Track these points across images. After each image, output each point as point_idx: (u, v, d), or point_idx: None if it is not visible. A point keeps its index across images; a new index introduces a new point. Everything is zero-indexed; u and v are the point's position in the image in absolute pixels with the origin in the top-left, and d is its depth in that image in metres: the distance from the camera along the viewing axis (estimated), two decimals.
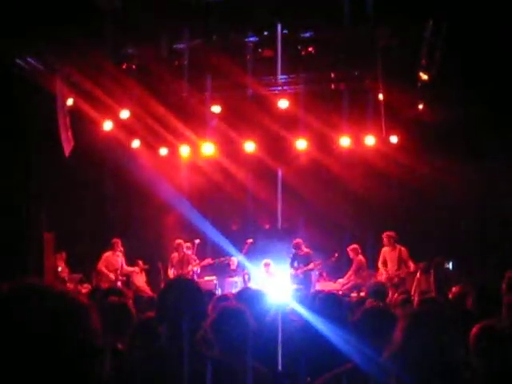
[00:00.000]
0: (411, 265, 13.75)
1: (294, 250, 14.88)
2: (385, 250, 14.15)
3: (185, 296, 3.46)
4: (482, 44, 11.15)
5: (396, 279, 13.59)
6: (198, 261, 15.17)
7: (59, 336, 1.80)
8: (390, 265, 13.97)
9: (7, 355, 1.75)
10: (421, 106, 14.28)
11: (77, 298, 1.90)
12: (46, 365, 1.77)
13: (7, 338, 1.76)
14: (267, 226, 16.18)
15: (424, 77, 13.30)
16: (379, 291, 7.05)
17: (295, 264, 14.77)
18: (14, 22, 10.87)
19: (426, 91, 13.72)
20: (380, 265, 14.11)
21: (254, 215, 16.39)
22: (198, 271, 15.12)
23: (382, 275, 13.93)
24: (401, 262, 13.81)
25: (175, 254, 15.06)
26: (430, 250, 13.83)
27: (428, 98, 13.89)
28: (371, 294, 7.32)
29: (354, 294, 13.03)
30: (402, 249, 13.92)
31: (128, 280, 14.98)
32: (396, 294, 8.52)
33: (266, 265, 15.15)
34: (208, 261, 15.17)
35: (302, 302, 5.79)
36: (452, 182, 14.06)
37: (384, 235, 14.11)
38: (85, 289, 12.97)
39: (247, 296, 5.70)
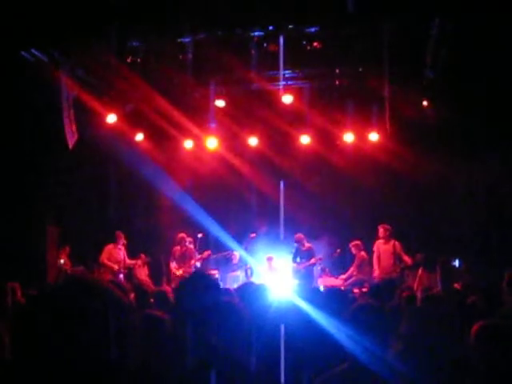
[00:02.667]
0: (406, 258, 13.75)
1: (296, 245, 14.88)
2: (379, 242, 14.09)
3: (204, 290, 3.47)
4: (488, 42, 11.12)
5: (394, 274, 13.57)
6: (199, 256, 15.15)
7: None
8: (383, 258, 13.90)
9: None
10: (425, 103, 14.26)
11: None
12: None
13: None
14: (269, 221, 16.14)
15: (429, 74, 13.28)
16: (383, 289, 7.03)
17: (297, 259, 14.78)
18: (20, 15, 10.88)
19: (430, 88, 13.69)
20: (374, 260, 14.08)
21: (256, 209, 16.37)
22: (199, 265, 15.10)
23: (375, 272, 13.93)
24: (395, 256, 13.76)
25: (177, 248, 15.05)
26: (434, 247, 13.85)
27: (432, 96, 13.87)
28: (373, 292, 7.30)
29: (356, 290, 13.03)
30: (396, 243, 13.88)
31: (130, 273, 15.01)
32: (398, 290, 8.49)
33: (269, 259, 15.16)
34: (207, 253, 15.16)
35: (303, 296, 5.78)
36: (455, 178, 14.05)
37: (380, 227, 14.07)
38: None
39: (248, 290, 5.70)
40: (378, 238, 14.12)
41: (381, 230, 14.03)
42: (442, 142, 14.10)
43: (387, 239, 13.95)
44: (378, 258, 14.01)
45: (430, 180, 14.69)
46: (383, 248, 13.94)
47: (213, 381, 2.93)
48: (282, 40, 12.45)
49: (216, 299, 3.46)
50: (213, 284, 3.59)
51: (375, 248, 14.11)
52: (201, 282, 3.54)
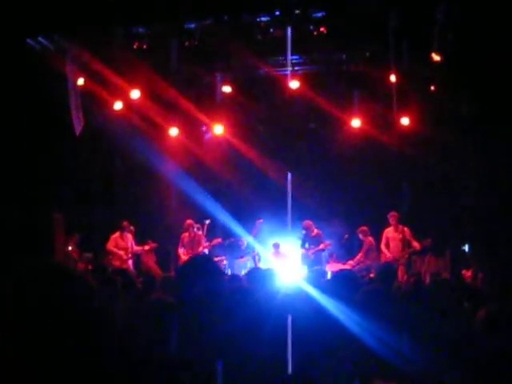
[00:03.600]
0: (415, 244, 13.74)
1: (304, 232, 14.88)
2: (388, 230, 14.10)
3: (206, 275, 3.45)
4: (495, 25, 11.04)
5: (402, 259, 13.56)
6: (207, 242, 15.16)
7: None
8: (392, 245, 13.91)
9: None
10: (433, 88, 14.18)
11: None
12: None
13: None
14: (277, 207, 16.12)
15: (436, 58, 13.19)
16: (387, 272, 7.02)
17: (306, 245, 14.78)
18: (25, 2, 10.87)
19: (438, 73, 13.61)
20: (382, 246, 14.08)
21: (264, 195, 16.35)
22: (207, 252, 15.11)
23: (385, 257, 13.91)
24: (404, 242, 13.76)
25: (186, 234, 15.06)
26: (443, 232, 13.83)
27: (440, 80, 13.79)
28: (378, 275, 7.29)
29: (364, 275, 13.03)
30: (405, 229, 13.87)
31: (138, 259, 15.05)
32: (406, 275, 8.50)
33: (276, 246, 15.16)
34: (218, 240, 15.18)
35: (312, 282, 5.78)
36: (464, 164, 13.99)
37: (389, 215, 14.07)
38: None
39: (256, 276, 5.70)
40: (388, 226, 14.11)
41: (391, 219, 14.04)
42: (449, 126, 14.02)
43: (396, 226, 13.95)
44: (386, 244, 14.00)
45: (439, 165, 14.62)
46: (392, 235, 13.95)
47: (220, 368, 2.93)
48: (289, 28, 12.43)
49: (219, 284, 3.45)
50: (214, 269, 3.57)
51: (383, 235, 14.10)
52: (201, 268, 3.52)
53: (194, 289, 3.36)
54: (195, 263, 3.68)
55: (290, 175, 14.81)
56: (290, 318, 4.83)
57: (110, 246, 14.55)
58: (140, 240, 15.14)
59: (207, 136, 17.09)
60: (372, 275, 12.37)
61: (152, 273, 13.05)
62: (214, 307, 3.36)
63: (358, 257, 14.52)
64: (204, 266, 3.52)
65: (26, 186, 12.64)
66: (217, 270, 3.55)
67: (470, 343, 3.87)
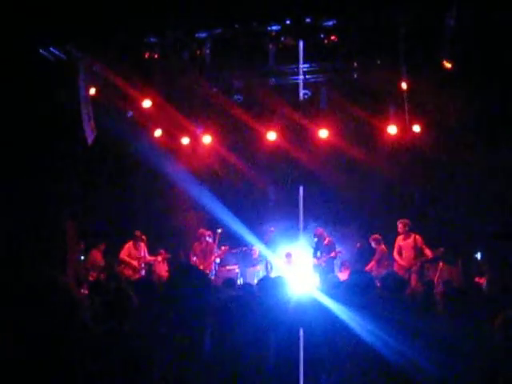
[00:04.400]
0: (428, 252, 13.66)
1: (316, 239, 14.85)
2: (399, 238, 14.02)
3: (188, 282, 3.44)
4: (506, 32, 11.02)
5: (415, 267, 13.49)
6: (218, 251, 15.14)
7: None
8: (405, 253, 13.82)
9: None
10: (445, 95, 14.15)
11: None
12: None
13: None
14: (290, 216, 16.11)
15: (447, 65, 13.16)
16: (393, 283, 6.97)
17: (318, 253, 14.75)
18: (37, 13, 10.94)
19: (448, 80, 13.57)
20: (395, 254, 14.00)
21: (276, 204, 16.36)
22: (218, 261, 15.10)
23: (398, 265, 13.84)
24: (416, 249, 13.68)
25: (198, 243, 15.06)
26: (455, 240, 13.77)
27: (451, 87, 13.75)
28: (384, 286, 7.25)
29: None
30: (417, 236, 13.79)
31: (150, 269, 15.05)
32: (419, 283, 8.45)
33: (288, 255, 15.15)
34: (225, 248, 15.18)
35: (324, 290, 5.77)
36: (477, 168, 13.93)
37: (399, 223, 13.99)
38: None
39: (266, 285, 5.69)
40: (398, 234, 14.04)
41: (400, 226, 13.95)
42: (461, 133, 13.99)
43: (407, 234, 13.86)
44: (399, 252, 13.93)
45: (451, 171, 14.58)
46: (404, 243, 13.87)
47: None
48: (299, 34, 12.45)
49: (206, 292, 3.43)
50: (199, 277, 3.55)
51: (396, 243, 14.04)
52: (188, 275, 3.50)
53: (179, 296, 3.36)
54: (179, 272, 3.68)
55: (301, 183, 14.83)
56: (301, 328, 4.82)
57: (123, 255, 14.57)
58: (152, 249, 15.16)
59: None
60: None
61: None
62: (205, 317, 3.35)
63: (370, 265, 14.46)
64: (189, 275, 3.51)
65: (40, 195, 12.70)
66: (202, 278, 3.53)
67: (485, 352, 3.84)
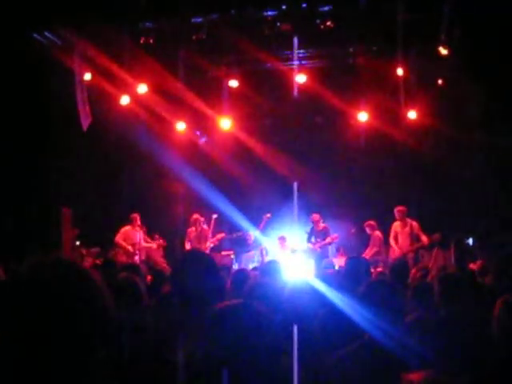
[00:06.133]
0: (424, 238, 13.68)
1: (311, 225, 14.88)
2: (396, 224, 14.04)
3: (200, 269, 3.44)
4: (502, 18, 11.00)
5: (411, 254, 13.53)
6: (212, 238, 15.11)
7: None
8: (401, 239, 13.86)
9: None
10: (440, 81, 14.15)
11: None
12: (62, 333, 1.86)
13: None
14: (284, 201, 16.11)
15: (443, 51, 13.15)
16: (401, 269, 6.99)
17: (312, 239, 14.78)
18: None
19: (445, 66, 13.57)
20: (392, 240, 14.03)
21: (271, 189, 16.35)
22: (211, 246, 15.07)
23: (394, 251, 13.88)
24: (413, 236, 13.73)
25: (192, 229, 15.03)
26: (448, 226, 13.78)
27: (447, 74, 13.75)
28: (392, 272, 7.25)
29: (371, 270, 13.00)
30: (414, 223, 13.82)
31: (146, 255, 15.00)
32: (414, 270, 8.46)
33: (281, 239, 15.16)
34: (221, 235, 15.18)
35: (320, 276, 5.78)
36: (471, 155, 13.95)
37: (395, 210, 14.00)
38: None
39: (262, 270, 5.70)
40: (395, 220, 14.07)
41: (397, 214, 13.99)
42: (457, 120, 13.99)
43: (403, 221, 13.90)
44: (395, 238, 13.96)
45: (445, 158, 14.59)
46: (400, 230, 13.91)
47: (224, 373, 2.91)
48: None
49: (216, 279, 3.43)
50: (210, 262, 3.55)
51: (392, 229, 14.07)
52: (198, 261, 3.50)
53: (190, 284, 3.35)
54: (190, 258, 3.67)
55: (297, 168, 14.83)
56: (296, 311, 4.83)
57: (119, 239, 14.42)
58: (147, 234, 15.13)
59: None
60: (380, 269, 12.36)
61: (160, 268, 13.02)
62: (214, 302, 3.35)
63: (366, 251, 14.49)
64: (199, 261, 3.50)
65: (34, 182, 12.68)
66: (212, 265, 3.53)
67: (480, 337, 3.85)
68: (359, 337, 3.79)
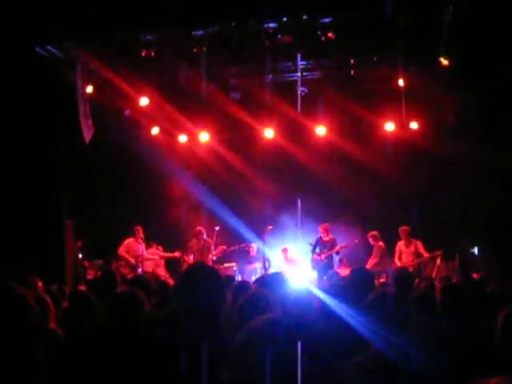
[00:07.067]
0: (426, 255, 13.78)
1: (318, 235, 14.85)
2: (400, 243, 14.14)
3: (204, 282, 3.43)
4: (505, 28, 11.02)
5: (411, 268, 13.54)
6: (215, 250, 15.08)
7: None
8: (404, 258, 13.99)
9: None
10: (442, 92, 14.16)
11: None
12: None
13: None
14: (287, 213, 16.09)
15: (445, 62, 13.18)
16: (403, 278, 6.98)
17: (317, 250, 14.74)
18: (34, 10, 10.92)
19: (447, 76, 13.58)
20: (396, 260, 14.12)
21: (274, 202, 16.35)
22: (214, 258, 15.05)
23: (395, 265, 13.93)
24: (416, 255, 13.85)
25: (195, 241, 15.00)
26: (454, 236, 13.80)
27: (449, 83, 13.76)
28: (394, 281, 7.26)
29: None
30: (418, 243, 13.95)
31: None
32: (418, 280, 8.46)
33: (284, 250, 15.15)
34: (222, 247, 15.16)
35: (323, 287, 5.76)
36: (474, 165, 13.93)
37: (400, 230, 14.09)
38: None
39: (268, 281, 5.67)
40: (400, 239, 14.11)
41: (402, 234, 14.06)
42: (458, 130, 14.00)
43: (408, 241, 13.98)
44: (399, 257, 14.06)
45: (449, 167, 14.59)
46: (405, 250, 14.02)
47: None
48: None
49: (221, 292, 3.43)
50: (215, 275, 3.55)
51: (397, 248, 14.16)
52: (203, 274, 3.49)
53: (194, 296, 3.35)
54: (195, 270, 3.66)
55: (299, 180, 14.84)
56: (300, 322, 4.81)
57: (122, 251, 14.41)
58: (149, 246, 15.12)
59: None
60: (382, 280, 12.34)
61: (163, 280, 12.99)
62: (218, 316, 3.35)
63: (369, 262, 14.47)
64: (203, 273, 3.50)
65: (38, 194, 12.69)
66: (217, 277, 3.53)
67: (484, 349, 3.85)
68: (364, 348, 3.78)
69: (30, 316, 2.30)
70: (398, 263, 13.97)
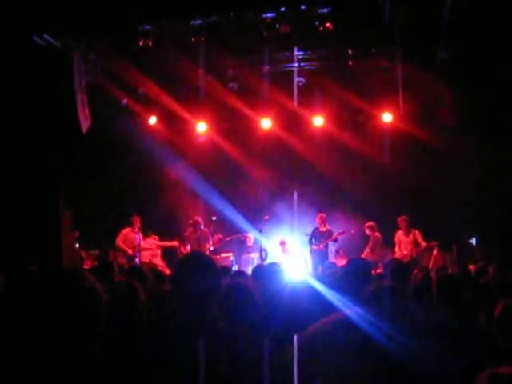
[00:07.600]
0: (423, 244, 13.81)
1: (315, 225, 14.89)
2: (399, 233, 14.18)
3: (200, 271, 3.45)
4: (503, 21, 11.01)
5: (408, 258, 13.57)
6: (212, 240, 15.09)
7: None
8: (403, 247, 14.02)
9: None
10: (439, 84, 14.17)
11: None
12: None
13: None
14: (284, 203, 16.10)
15: (443, 55, 13.18)
16: (399, 270, 6.98)
17: (313, 240, 14.77)
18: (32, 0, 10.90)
19: (444, 69, 13.58)
20: (396, 249, 14.17)
21: (271, 192, 16.38)
22: (212, 249, 15.06)
23: (392, 255, 13.95)
24: (414, 244, 13.89)
25: (192, 231, 14.98)
26: (451, 227, 13.83)
27: (446, 76, 13.76)
28: (390, 273, 7.26)
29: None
30: (417, 232, 13.98)
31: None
32: (416, 270, 8.47)
33: (282, 243, 15.18)
34: (218, 236, 15.16)
35: (321, 277, 5.78)
36: (470, 158, 13.96)
37: (399, 220, 14.13)
38: None
39: (263, 272, 5.69)
40: (398, 229, 14.15)
41: (401, 224, 14.11)
42: (456, 122, 14.02)
43: (408, 230, 14.02)
44: (399, 247, 14.11)
45: (445, 159, 14.61)
46: (404, 239, 14.05)
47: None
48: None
49: (215, 281, 3.45)
50: (211, 265, 3.56)
51: (396, 238, 14.22)
52: (200, 264, 3.50)
53: (190, 285, 3.36)
54: (191, 260, 3.67)
55: (296, 170, 14.84)
56: (295, 311, 4.84)
57: (119, 241, 14.42)
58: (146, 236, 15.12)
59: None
60: (379, 270, 12.36)
61: (159, 270, 13.01)
62: (212, 304, 3.37)
63: (364, 252, 14.50)
64: (200, 263, 3.51)
65: (35, 184, 12.67)
66: (213, 266, 3.54)
67: (480, 340, 3.87)
68: (360, 339, 3.80)
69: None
70: (398, 253, 14.02)
